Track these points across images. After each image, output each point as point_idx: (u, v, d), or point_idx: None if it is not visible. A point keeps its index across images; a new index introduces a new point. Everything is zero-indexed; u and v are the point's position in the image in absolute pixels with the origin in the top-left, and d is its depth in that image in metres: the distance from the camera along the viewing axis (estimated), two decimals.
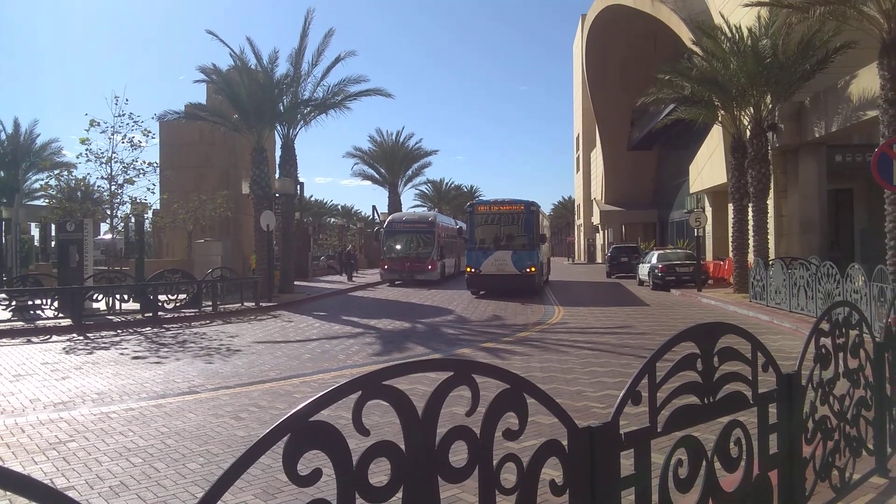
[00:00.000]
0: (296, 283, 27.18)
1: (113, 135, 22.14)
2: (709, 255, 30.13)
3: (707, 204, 31.84)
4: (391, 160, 48.34)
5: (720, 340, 3.11)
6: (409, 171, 50.40)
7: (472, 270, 23.09)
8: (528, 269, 22.50)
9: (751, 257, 20.91)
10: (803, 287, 15.21)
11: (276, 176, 26.31)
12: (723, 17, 23.12)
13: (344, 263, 35.26)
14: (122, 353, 11.96)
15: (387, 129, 72.70)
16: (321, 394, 1.94)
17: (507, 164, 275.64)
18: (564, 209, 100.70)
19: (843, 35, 17.36)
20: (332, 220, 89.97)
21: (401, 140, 49.28)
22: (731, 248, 23.19)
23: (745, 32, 20.10)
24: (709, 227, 29.95)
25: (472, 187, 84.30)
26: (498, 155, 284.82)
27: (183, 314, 17.59)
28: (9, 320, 15.86)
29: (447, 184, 77.66)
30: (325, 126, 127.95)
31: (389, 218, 34.05)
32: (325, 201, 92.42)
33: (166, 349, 12.43)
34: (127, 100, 32.17)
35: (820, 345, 3.85)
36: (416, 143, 49.96)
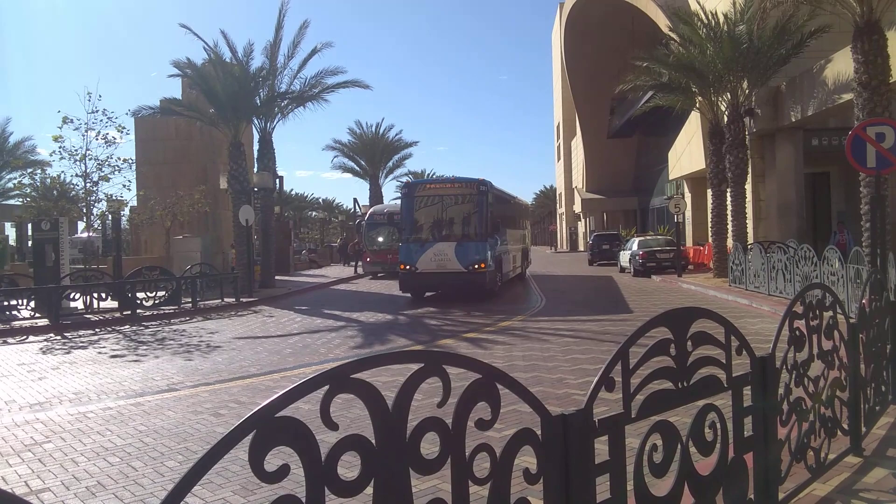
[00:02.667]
0: (277, 277, 27.03)
1: (87, 132, 21.77)
2: (689, 241, 30.35)
3: (686, 190, 32.05)
4: (371, 152, 48.13)
5: (694, 325, 3.12)
6: (390, 163, 50.19)
7: (407, 268, 18.75)
8: (475, 266, 18.14)
9: (730, 242, 21.08)
10: (781, 270, 15.35)
11: (255, 170, 26.10)
12: (699, 3, 23.20)
13: (350, 254, 35.57)
14: (99, 352, 11.82)
15: (366, 121, 72.40)
16: (287, 389, 1.91)
17: (489, 154, 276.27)
18: (546, 198, 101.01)
19: (817, 19, 17.50)
20: (314, 213, 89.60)
21: (381, 132, 49.09)
22: (710, 234, 23.35)
23: (722, 18, 20.20)
24: (688, 213, 30.18)
25: (453, 177, 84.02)
26: (479, 145, 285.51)
27: (162, 311, 17.41)
28: None
29: (429, 175, 77.42)
30: (304, 119, 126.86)
31: (371, 210, 33.91)
32: (305, 195, 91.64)
33: (145, 347, 12.30)
34: (100, 96, 32.03)
35: (794, 327, 3.87)
36: (397, 135, 49.78)
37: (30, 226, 24.24)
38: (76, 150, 21.72)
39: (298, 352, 11.18)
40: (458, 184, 19.59)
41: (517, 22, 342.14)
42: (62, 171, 26.88)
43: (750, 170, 21.27)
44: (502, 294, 20.11)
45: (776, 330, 3.76)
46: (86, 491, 4.94)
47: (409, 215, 19.37)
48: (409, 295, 19.70)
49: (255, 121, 25.62)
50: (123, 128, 23.27)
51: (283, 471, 1.91)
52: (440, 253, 18.44)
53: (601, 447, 2.60)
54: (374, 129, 49.16)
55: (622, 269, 28.30)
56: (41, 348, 12.66)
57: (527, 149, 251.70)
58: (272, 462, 1.87)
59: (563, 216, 72.38)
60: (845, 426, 4.49)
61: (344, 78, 25.97)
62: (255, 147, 26.41)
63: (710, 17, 20.44)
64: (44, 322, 15.61)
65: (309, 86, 25.54)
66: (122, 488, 4.97)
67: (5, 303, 16.60)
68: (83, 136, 21.77)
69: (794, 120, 20.41)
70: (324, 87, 25.74)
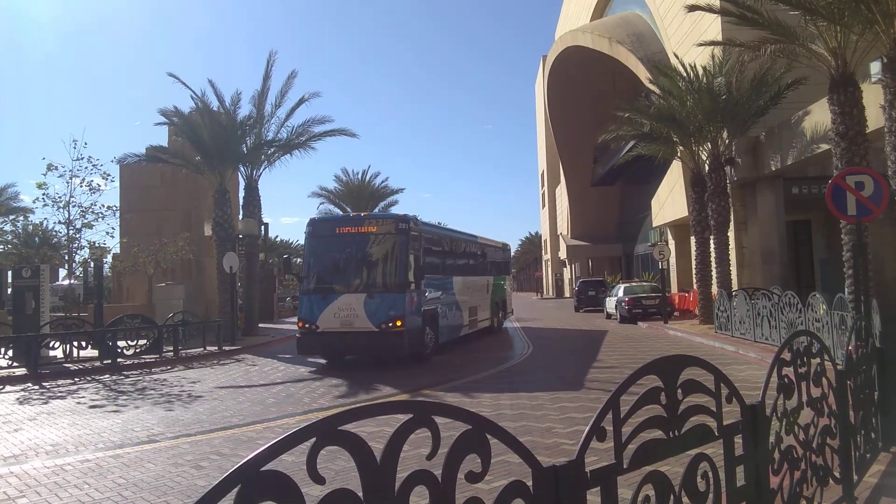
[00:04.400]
0: (260, 325, 26.80)
1: (71, 178, 21.78)
2: (674, 287, 30.49)
3: (670, 237, 32.35)
4: (357, 199, 48.29)
5: (684, 373, 3.10)
6: (376, 210, 50.40)
7: (306, 326, 15.20)
8: (389, 324, 14.51)
9: (714, 288, 21.20)
10: (766, 317, 15.41)
11: (240, 217, 26.08)
12: (677, 57, 23.79)
13: None
14: (78, 403, 11.55)
15: (353, 167, 72.85)
16: (273, 441, 1.86)
17: (474, 201, 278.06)
18: (532, 244, 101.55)
19: (794, 72, 17.98)
20: (299, 260, 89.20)
21: (367, 179, 49.37)
22: (695, 280, 23.50)
23: (700, 71, 20.70)
24: (672, 260, 30.39)
25: (438, 223, 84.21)
26: (465, 191, 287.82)
27: (143, 360, 17.12)
28: None
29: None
30: (291, 166, 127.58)
31: None
32: (291, 241, 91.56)
33: (125, 397, 12.05)
34: (86, 143, 31.82)
35: (783, 375, 3.86)
36: (383, 182, 50.07)
37: (10, 273, 23.98)
38: (60, 197, 21.67)
39: (282, 401, 10.99)
40: (373, 220, 16.22)
41: (504, 72, 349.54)
42: (45, 218, 26.80)
43: (732, 217, 21.56)
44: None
45: (765, 377, 3.74)
46: None
47: (310, 259, 16.11)
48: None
49: (242, 168, 25.75)
50: (108, 175, 23.31)
51: None
52: (346, 307, 14.83)
53: (593, 498, 2.54)
54: (360, 176, 49.48)
55: (608, 316, 28.30)
56: (18, 398, 12.36)
57: (513, 196, 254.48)
58: None
59: (549, 262, 72.66)
60: (837, 474, 4.45)
61: (331, 126, 26.32)
62: (241, 194, 26.47)
63: (689, 69, 20.96)
64: (21, 371, 15.29)
65: (296, 134, 25.84)
66: None
67: None
68: (67, 182, 21.75)
69: (773, 169, 20.79)
70: (311, 135, 26.04)
